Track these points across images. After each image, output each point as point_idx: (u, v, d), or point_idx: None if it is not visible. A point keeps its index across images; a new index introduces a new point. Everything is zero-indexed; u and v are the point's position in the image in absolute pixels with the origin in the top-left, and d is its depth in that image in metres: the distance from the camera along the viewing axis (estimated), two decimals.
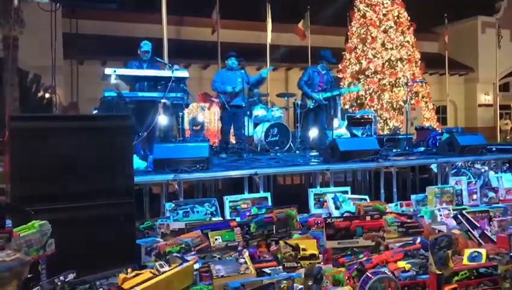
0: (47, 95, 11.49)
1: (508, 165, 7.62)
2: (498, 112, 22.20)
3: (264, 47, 16.02)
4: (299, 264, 3.16)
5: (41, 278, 2.57)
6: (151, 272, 2.60)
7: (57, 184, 2.98)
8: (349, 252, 3.33)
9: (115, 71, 5.40)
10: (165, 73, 5.72)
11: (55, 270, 2.60)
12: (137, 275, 2.58)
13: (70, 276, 2.57)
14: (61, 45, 12.27)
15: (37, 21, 7.73)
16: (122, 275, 2.58)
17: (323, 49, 9.13)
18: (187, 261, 2.87)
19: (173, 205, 4.27)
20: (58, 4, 6.57)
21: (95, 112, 8.04)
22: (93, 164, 3.10)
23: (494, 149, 7.62)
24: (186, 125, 9.39)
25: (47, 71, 7.82)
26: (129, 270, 2.67)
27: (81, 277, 2.64)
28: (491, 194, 5.42)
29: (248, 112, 8.02)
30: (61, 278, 2.54)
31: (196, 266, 2.90)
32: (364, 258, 3.09)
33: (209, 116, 12.48)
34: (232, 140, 8.41)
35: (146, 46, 6.26)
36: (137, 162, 5.25)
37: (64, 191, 2.99)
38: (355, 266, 2.98)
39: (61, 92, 13.13)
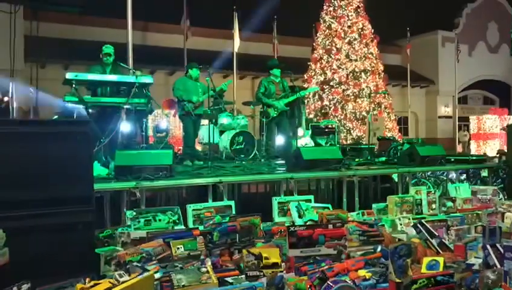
0: (5, 99, 11.12)
1: (465, 175, 7.87)
2: (457, 123, 22.95)
3: (231, 55, 16.05)
4: (261, 273, 3.15)
5: None
6: (110, 282, 2.54)
7: (13, 191, 2.88)
8: (311, 261, 3.35)
9: (76, 76, 5.29)
10: (128, 78, 5.63)
11: (8, 280, 2.51)
12: (95, 285, 2.52)
13: (25, 287, 2.48)
14: (22, 48, 11.96)
15: None
16: (79, 285, 2.51)
17: (287, 58, 9.23)
18: (148, 270, 2.82)
19: (134, 213, 4.20)
20: (18, 6, 6.40)
21: (55, 117, 7.84)
22: (52, 170, 3.01)
23: (452, 160, 7.85)
24: (150, 132, 9.28)
25: (6, 74, 7.60)
26: (87, 280, 2.60)
27: (36, 287, 2.56)
28: (449, 203, 5.57)
29: (214, 120, 8.01)
30: (15, 289, 2.44)
31: (157, 275, 2.85)
32: (326, 267, 3.10)
33: (174, 122, 12.39)
34: (198, 147, 8.35)
35: (107, 49, 6.16)
36: (98, 169, 5.14)
37: (20, 198, 2.89)
38: (317, 275, 2.99)
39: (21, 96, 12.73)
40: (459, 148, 19.49)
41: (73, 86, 5.33)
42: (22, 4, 7.09)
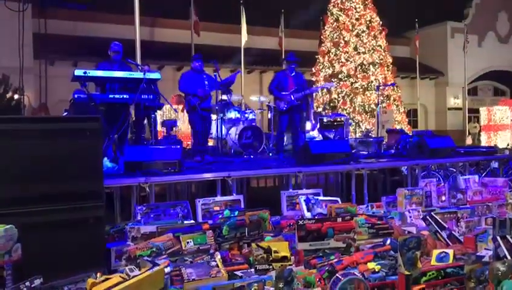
0: (16, 96, 11.22)
1: (475, 167, 7.81)
2: (467, 115, 22.78)
3: (238, 49, 16.04)
4: (270, 267, 3.16)
5: (6, 284, 2.51)
6: (120, 277, 2.56)
7: (25, 187, 2.92)
8: (320, 254, 3.35)
9: (85, 72, 5.31)
10: (136, 74, 5.65)
11: (21, 275, 2.55)
12: (106, 279, 2.54)
13: (37, 281, 2.52)
14: (31, 46, 12.04)
15: (5, 21, 7.56)
16: (90, 280, 2.53)
17: (295, 52, 9.21)
18: (158, 265, 2.84)
19: (144, 208, 4.23)
20: (26, 4, 6.44)
21: (65, 113, 7.90)
22: (63, 166, 3.04)
23: (462, 152, 7.80)
24: (159, 127, 9.32)
25: (16, 72, 7.65)
26: (98, 274, 2.63)
27: (49, 282, 2.59)
28: (459, 195, 5.54)
29: (221, 114, 8.01)
30: (27, 283, 2.48)
31: (167, 269, 2.87)
32: (335, 260, 3.11)
33: (183, 118, 12.42)
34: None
35: (116, 46, 6.18)
36: (108, 165, 5.18)
37: (31, 194, 2.93)
38: (326, 268, 2.99)
39: (31, 93, 12.86)
40: (469, 140, 19.31)
41: (82, 82, 5.35)
42: (30, 2, 7.13)
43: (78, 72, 5.31)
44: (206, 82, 7.25)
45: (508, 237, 3.09)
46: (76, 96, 5.39)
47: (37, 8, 12.87)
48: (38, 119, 4.44)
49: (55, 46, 14.43)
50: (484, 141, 17.88)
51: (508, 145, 12.76)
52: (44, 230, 2.92)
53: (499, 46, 24.50)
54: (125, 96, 5.61)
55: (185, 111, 10.33)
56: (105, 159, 5.14)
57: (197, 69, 7.39)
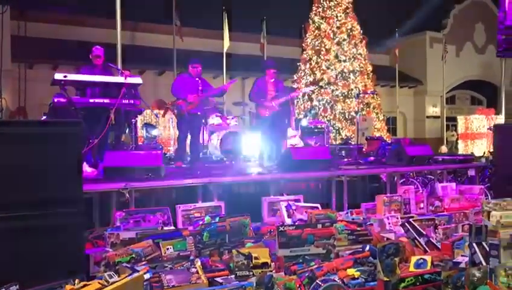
0: None
1: (453, 175, 7.95)
2: (445, 123, 23.17)
3: (220, 55, 16.05)
4: (251, 273, 3.16)
5: None
6: (99, 283, 2.53)
7: (2, 192, 2.86)
8: (300, 260, 3.37)
9: (65, 76, 5.25)
10: (118, 79, 5.61)
11: None
12: (85, 286, 2.51)
13: (13, 288, 2.47)
14: (9, 48, 11.84)
15: None
16: (69, 286, 2.50)
17: (276, 59, 9.27)
18: (137, 271, 2.82)
19: (124, 214, 4.19)
20: (5, 6, 6.35)
21: (44, 117, 7.78)
22: (40, 171, 2.99)
23: (440, 159, 7.92)
24: (139, 133, 9.25)
25: None
26: (77, 281, 2.60)
27: (25, 288, 2.55)
28: (437, 203, 5.63)
29: (203, 121, 7.97)
30: None
31: (146, 276, 2.85)
32: (315, 266, 3.13)
33: (163, 123, 12.36)
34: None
35: (97, 50, 6.13)
36: (87, 170, 5.12)
37: (10, 199, 2.87)
38: (307, 274, 3.01)
39: (9, 96, 12.62)
40: (444, 149, 19.55)
41: (62, 86, 5.29)
42: (9, 4, 7.03)
43: (58, 76, 5.25)
44: (200, 88, 7.11)
45: (484, 243, 3.16)
46: (56, 100, 5.33)
47: (16, 10, 12.67)
48: (16, 123, 4.37)
49: (35, 49, 14.23)
50: (461, 149, 18.19)
51: (484, 153, 13.02)
52: (22, 236, 2.86)
53: (476, 56, 25.05)
54: (105, 100, 5.56)
55: (165, 116, 10.26)
56: (85, 164, 5.08)
57: (193, 74, 7.25)
